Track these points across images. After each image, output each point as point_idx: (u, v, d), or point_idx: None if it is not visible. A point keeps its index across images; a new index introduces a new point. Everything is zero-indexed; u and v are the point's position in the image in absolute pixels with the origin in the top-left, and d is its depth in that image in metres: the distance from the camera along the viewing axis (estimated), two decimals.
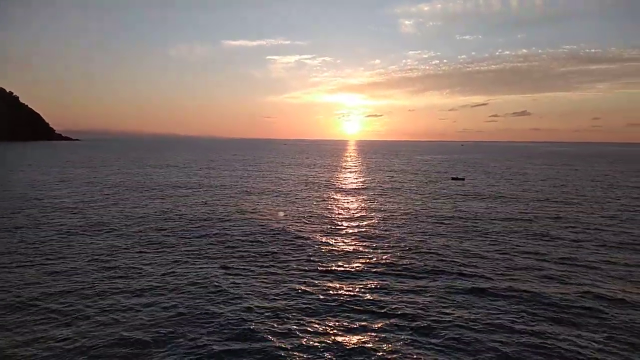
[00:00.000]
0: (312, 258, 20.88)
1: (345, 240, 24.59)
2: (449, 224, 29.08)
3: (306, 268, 19.28)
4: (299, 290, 16.45)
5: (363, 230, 27.25)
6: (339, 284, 17.34)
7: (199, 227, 27.37)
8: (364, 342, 12.32)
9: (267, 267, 19.40)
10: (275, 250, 22.23)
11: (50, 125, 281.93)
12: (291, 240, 24.24)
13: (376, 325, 13.43)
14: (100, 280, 17.33)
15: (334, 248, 22.89)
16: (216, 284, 16.97)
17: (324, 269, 19.24)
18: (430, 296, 15.84)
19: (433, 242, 23.81)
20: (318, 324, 13.57)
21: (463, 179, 60.30)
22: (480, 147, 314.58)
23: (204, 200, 38.17)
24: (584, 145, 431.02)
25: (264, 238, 24.70)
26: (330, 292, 16.35)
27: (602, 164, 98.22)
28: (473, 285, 16.82)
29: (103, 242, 23.35)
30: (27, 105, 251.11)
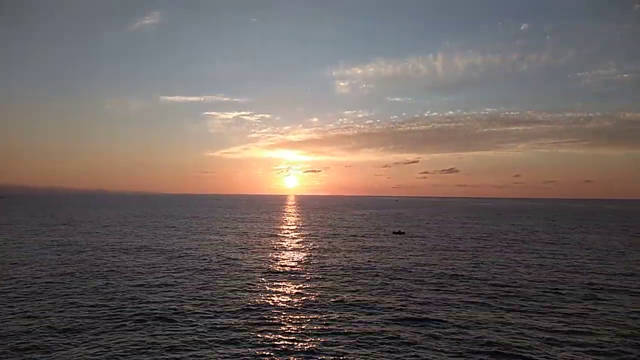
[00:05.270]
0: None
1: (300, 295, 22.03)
2: (395, 275, 29.89)
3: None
4: None
5: (319, 288, 25.47)
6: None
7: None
8: None
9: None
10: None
11: None
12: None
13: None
14: None
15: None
16: None
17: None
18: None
19: (385, 292, 24.75)
20: None
21: (404, 233, 60.83)
22: (413, 202, 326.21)
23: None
24: (507, 200, 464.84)
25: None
26: None
27: (519, 219, 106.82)
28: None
29: None
30: None
